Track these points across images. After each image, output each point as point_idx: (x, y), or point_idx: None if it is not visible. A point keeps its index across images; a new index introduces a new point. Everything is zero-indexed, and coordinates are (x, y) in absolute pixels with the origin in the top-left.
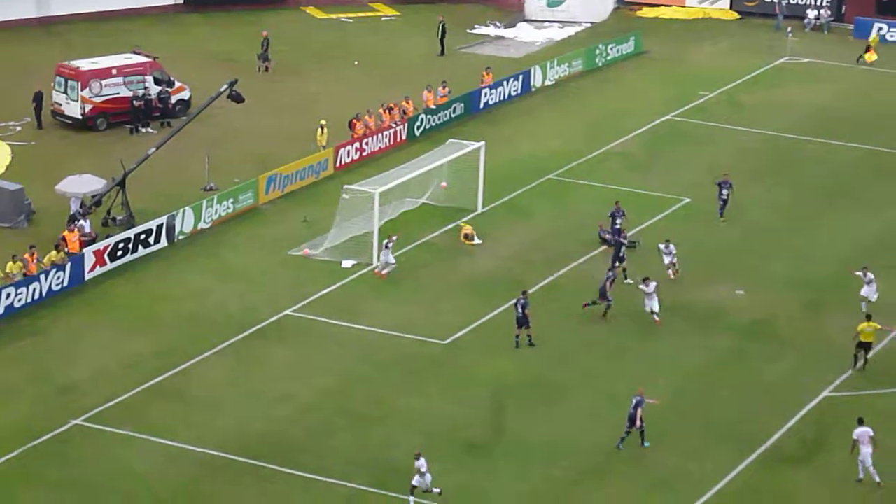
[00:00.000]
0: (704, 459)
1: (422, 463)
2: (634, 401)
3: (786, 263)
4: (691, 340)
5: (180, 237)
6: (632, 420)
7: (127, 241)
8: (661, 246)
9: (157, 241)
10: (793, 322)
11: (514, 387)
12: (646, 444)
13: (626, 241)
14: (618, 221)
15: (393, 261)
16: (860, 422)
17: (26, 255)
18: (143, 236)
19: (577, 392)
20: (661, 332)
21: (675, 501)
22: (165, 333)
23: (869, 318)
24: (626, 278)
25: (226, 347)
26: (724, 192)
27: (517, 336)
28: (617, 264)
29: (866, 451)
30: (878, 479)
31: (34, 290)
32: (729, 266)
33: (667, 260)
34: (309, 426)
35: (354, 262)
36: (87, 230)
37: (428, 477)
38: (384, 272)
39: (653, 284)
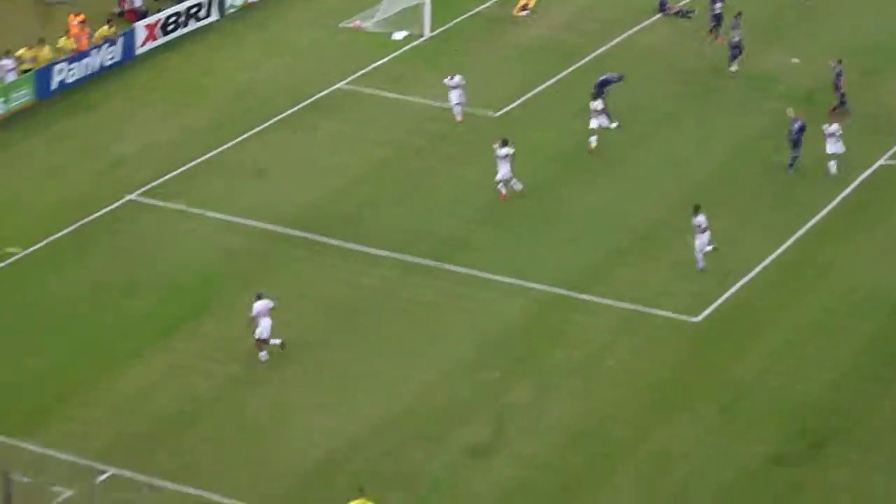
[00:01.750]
0: (757, 228)
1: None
2: (797, 125)
3: (843, 31)
4: (747, 107)
5: (231, 10)
6: (795, 143)
7: (178, 14)
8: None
9: (207, 14)
10: (849, 89)
11: (566, 157)
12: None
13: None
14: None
15: (463, 100)
16: None
17: (76, 29)
18: (193, 10)
19: (631, 159)
20: (714, 98)
21: (729, 269)
22: (217, 107)
23: None
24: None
25: (277, 121)
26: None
27: None
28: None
29: None
30: None
31: (86, 65)
32: (785, 34)
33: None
34: (361, 198)
35: (406, 34)
36: (138, 3)
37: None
38: (459, 118)
39: (506, 150)
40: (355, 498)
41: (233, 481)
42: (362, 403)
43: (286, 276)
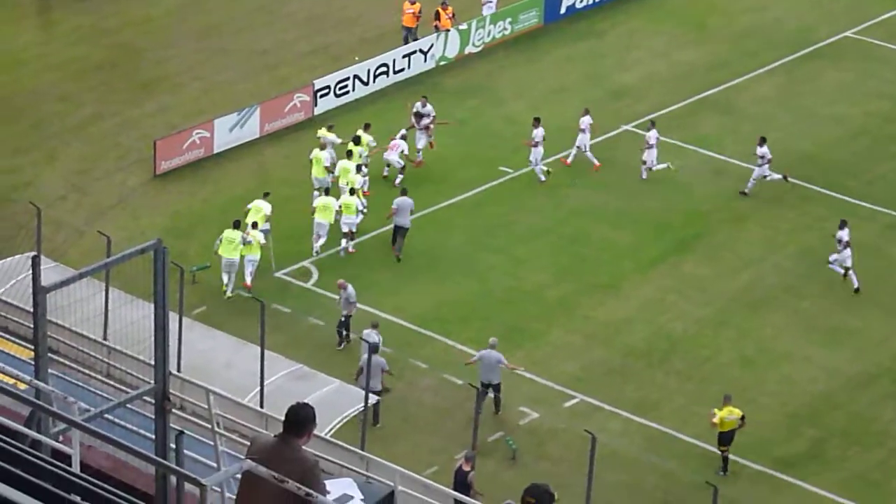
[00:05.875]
0: None
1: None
2: None
3: None
4: None
5: None
6: None
7: None
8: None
9: None
10: None
11: None
12: None
13: None
14: None
15: None
16: None
17: None
18: None
19: None
20: None
21: None
22: (719, 46)
23: None
24: None
25: (779, 66)
26: None
27: None
28: None
29: None
30: None
31: None
32: None
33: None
34: (857, 150)
35: None
36: None
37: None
38: None
39: None
40: (723, 406)
41: (696, 421)
42: (835, 358)
43: (768, 221)
